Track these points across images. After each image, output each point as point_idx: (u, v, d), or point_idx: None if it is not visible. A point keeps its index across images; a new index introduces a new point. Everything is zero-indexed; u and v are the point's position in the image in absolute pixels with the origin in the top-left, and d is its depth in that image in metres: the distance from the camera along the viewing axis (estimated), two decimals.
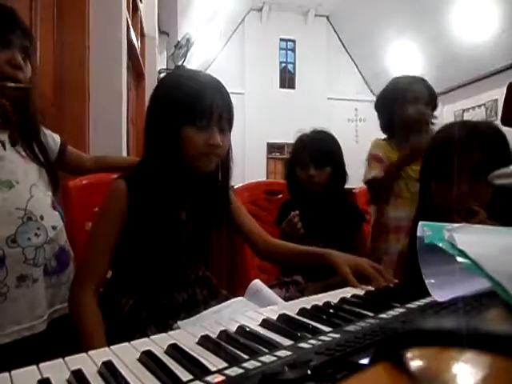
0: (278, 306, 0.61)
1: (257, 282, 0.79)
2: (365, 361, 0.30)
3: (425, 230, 0.48)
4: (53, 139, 0.98)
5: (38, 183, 0.85)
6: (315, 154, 1.27)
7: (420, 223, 0.50)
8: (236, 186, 1.47)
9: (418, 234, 0.46)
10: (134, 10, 3.47)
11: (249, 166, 10.51)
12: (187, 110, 0.76)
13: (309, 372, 0.28)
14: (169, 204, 0.81)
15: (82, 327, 0.71)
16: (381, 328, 0.41)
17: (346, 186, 1.39)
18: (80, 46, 1.85)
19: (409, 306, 0.51)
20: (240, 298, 0.75)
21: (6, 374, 0.39)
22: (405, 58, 9.41)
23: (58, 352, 0.72)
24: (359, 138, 11.09)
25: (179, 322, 0.65)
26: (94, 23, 1.90)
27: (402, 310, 0.50)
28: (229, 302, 0.73)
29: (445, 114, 9.34)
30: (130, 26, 2.92)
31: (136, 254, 0.82)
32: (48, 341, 0.79)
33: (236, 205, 0.95)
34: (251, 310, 0.66)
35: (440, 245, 0.46)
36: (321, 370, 0.29)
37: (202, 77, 0.81)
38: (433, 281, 0.47)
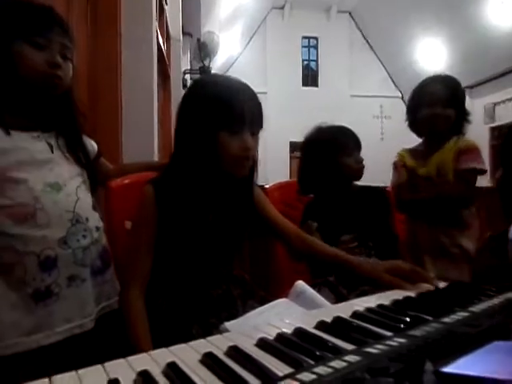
0: (328, 309, 0.60)
1: (300, 284, 0.77)
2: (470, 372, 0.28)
3: None
4: (91, 144, 1.00)
5: (81, 185, 0.87)
6: (357, 139, 1.22)
7: None
8: (267, 186, 1.46)
9: (510, 236, 0.45)
10: (160, 12, 3.52)
11: (271, 165, 10.48)
12: (223, 116, 0.78)
13: (392, 380, 0.27)
14: (196, 207, 0.83)
15: (130, 326, 0.75)
16: (449, 332, 0.40)
17: (377, 184, 1.38)
18: (112, 51, 1.89)
19: (471, 309, 0.49)
20: (284, 300, 0.74)
21: (73, 372, 0.40)
22: (431, 51, 9.15)
23: (106, 348, 0.75)
24: (385, 135, 10.87)
25: (226, 324, 0.65)
26: (126, 28, 1.94)
27: (465, 313, 0.48)
28: (273, 303, 0.72)
29: (474, 109, 9.04)
30: (157, 30, 2.96)
31: (168, 255, 0.85)
32: (96, 338, 0.81)
33: (264, 202, 0.95)
34: (296, 311, 0.65)
35: None
36: (404, 378, 0.28)
37: (234, 82, 0.83)
38: None
